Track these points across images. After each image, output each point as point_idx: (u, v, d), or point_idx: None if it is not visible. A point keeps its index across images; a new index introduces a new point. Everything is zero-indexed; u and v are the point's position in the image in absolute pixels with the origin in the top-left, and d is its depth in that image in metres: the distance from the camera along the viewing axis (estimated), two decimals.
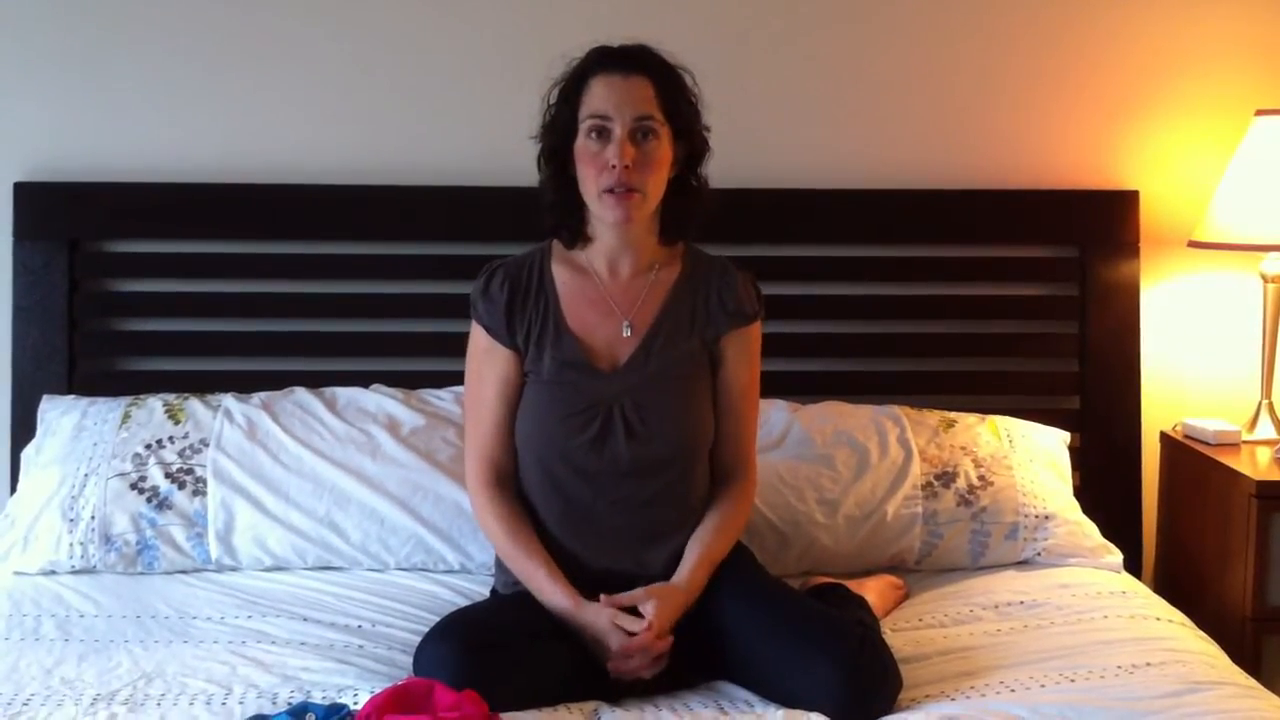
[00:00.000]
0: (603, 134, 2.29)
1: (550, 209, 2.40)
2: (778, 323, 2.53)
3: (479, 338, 2.41)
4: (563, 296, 2.39)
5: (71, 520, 2.66)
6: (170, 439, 2.75)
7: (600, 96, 2.29)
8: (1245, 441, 3.06)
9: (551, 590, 2.27)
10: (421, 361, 3.06)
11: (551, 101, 2.37)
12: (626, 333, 2.38)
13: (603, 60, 2.32)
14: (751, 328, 2.43)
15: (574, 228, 2.39)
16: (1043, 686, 2.18)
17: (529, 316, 2.37)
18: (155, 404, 2.82)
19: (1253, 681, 2.24)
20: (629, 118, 2.27)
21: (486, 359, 2.40)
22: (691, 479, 2.39)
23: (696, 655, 2.25)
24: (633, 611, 2.22)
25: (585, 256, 2.42)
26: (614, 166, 2.26)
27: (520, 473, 2.39)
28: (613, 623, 2.20)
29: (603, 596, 2.23)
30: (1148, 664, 2.25)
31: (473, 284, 2.42)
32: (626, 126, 2.27)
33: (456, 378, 2.71)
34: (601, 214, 2.32)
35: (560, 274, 2.41)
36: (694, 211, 2.41)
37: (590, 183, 2.30)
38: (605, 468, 2.32)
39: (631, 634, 2.18)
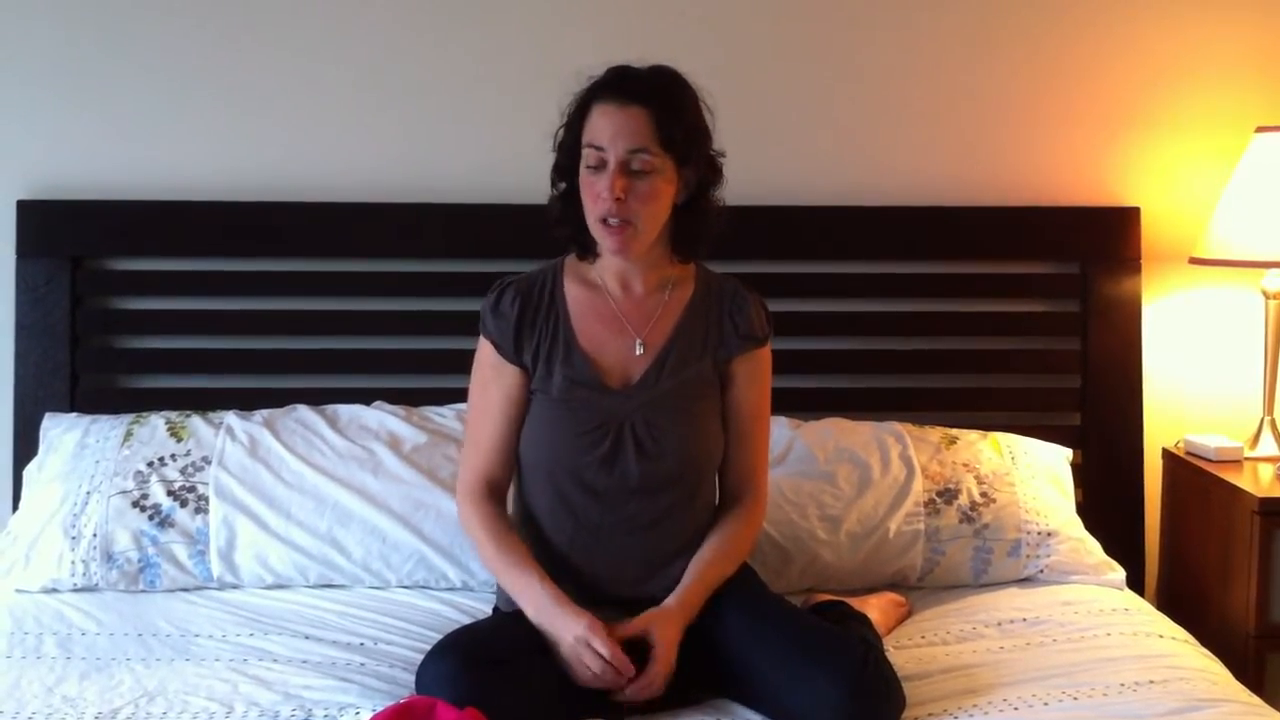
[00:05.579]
0: (600, 163, 2.28)
1: (557, 224, 2.40)
2: (779, 339, 2.52)
3: (486, 353, 2.40)
4: (574, 313, 2.39)
5: (73, 538, 2.66)
6: (172, 456, 2.75)
7: (597, 126, 2.27)
8: (1247, 458, 3.06)
9: (528, 585, 2.23)
10: (423, 379, 3.06)
11: (565, 119, 2.36)
12: (639, 350, 2.37)
13: (606, 87, 2.30)
14: (762, 350, 2.43)
15: (583, 242, 2.39)
16: (1045, 704, 2.17)
17: (539, 333, 2.37)
18: (157, 421, 2.82)
19: (1256, 699, 2.24)
20: (622, 150, 2.25)
21: (493, 374, 2.39)
22: (699, 499, 2.39)
23: (699, 673, 2.25)
24: (633, 646, 2.19)
25: (598, 273, 2.41)
26: (606, 198, 2.26)
27: (528, 495, 2.39)
28: (585, 644, 2.15)
29: (590, 619, 2.21)
30: (1150, 681, 2.25)
31: (483, 299, 2.41)
32: (619, 158, 2.25)
33: (458, 395, 2.72)
34: (599, 242, 2.33)
35: (572, 291, 2.41)
36: (703, 232, 2.40)
37: (589, 210, 2.30)
38: (614, 485, 2.32)
39: (602, 656, 2.14)
